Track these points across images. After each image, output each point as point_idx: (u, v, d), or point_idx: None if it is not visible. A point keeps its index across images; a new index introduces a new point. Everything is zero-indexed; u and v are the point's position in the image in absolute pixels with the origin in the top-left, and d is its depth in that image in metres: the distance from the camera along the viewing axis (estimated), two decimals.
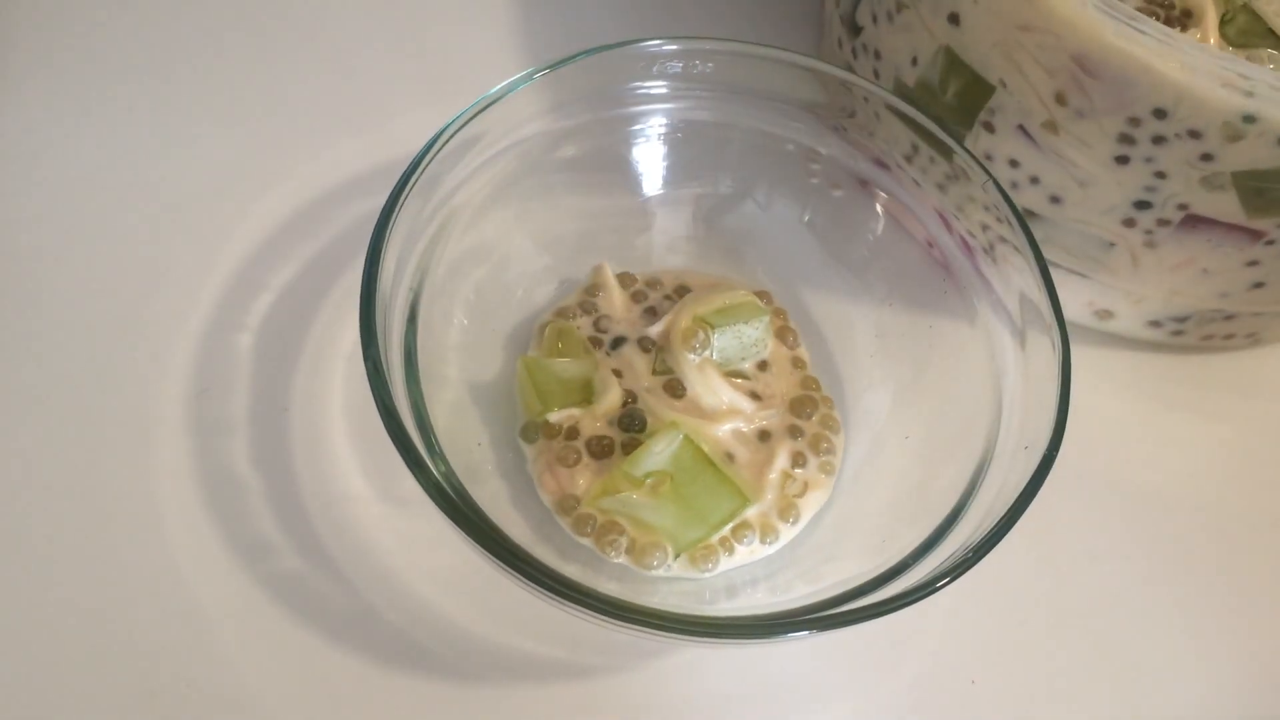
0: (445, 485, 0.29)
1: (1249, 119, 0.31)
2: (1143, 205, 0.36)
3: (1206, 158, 0.33)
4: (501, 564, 0.28)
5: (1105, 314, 0.40)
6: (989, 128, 0.37)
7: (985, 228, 0.36)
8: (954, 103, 0.38)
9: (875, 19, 0.40)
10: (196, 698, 0.32)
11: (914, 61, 0.39)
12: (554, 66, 0.35)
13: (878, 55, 0.41)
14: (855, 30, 0.42)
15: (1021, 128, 0.37)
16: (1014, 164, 0.37)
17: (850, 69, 0.43)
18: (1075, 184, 0.36)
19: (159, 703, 0.32)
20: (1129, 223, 0.36)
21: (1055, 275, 0.34)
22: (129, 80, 0.45)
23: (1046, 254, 0.34)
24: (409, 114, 0.45)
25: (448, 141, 0.34)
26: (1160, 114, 0.33)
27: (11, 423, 0.36)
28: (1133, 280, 0.38)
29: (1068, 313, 0.33)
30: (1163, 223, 0.36)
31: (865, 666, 0.35)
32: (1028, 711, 0.34)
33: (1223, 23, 0.35)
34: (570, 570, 0.32)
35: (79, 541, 0.34)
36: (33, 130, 0.43)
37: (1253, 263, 0.37)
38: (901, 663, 0.35)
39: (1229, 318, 0.40)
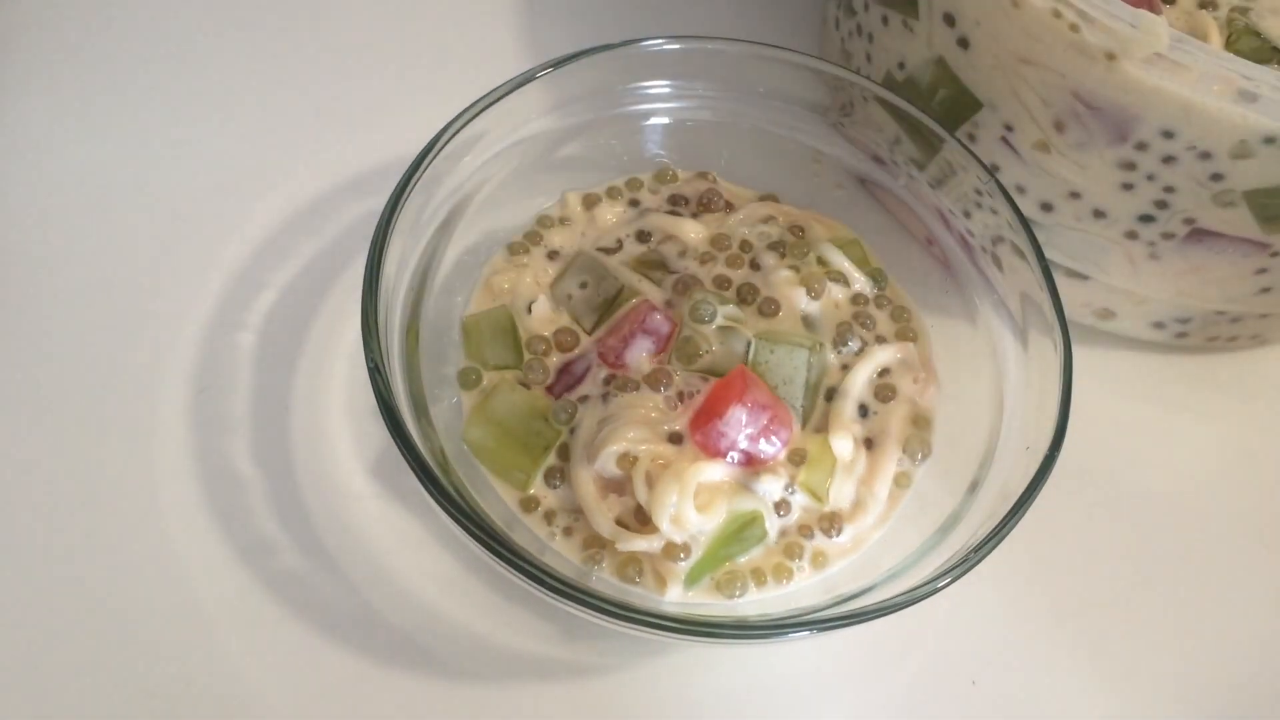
0: (447, 485, 0.29)
1: (1270, 139, 0.31)
2: (1147, 219, 0.36)
3: (1216, 177, 0.33)
4: (503, 564, 0.28)
5: (1107, 314, 0.40)
6: (971, 137, 0.37)
7: (986, 226, 0.36)
8: (939, 109, 0.38)
9: (867, 6, 0.40)
10: (196, 696, 0.32)
11: (901, 65, 0.39)
12: (556, 66, 0.35)
13: (870, 38, 0.41)
14: (850, 12, 0.42)
15: (1005, 141, 0.36)
16: (995, 169, 0.37)
17: (845, 51, 0.43)
18: (1066, 195, 0.36)
19: (159, 702, 0.32)
20: (1131, 235, 0.36)
21: (1055, 275, 0.34)
22: (130, 80, 0.45)
23: (1045, 254, 0.33)
24: (411, 113, 0.44)
25: (450, 140, 0.34)
26: (1168, 135, 0.33)
27: (13, 420, 0.36)
28: (1134, 283, 0.38)
29: (1068, 312, 0.33)
30: (1167, 235, 0.36)
31: (865, 666, 0.35)
32: (1028, 711, 0.34)
33: (1227, 45, 0.35)
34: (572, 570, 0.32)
35: (79, 539, 0.34)
36: (34, 129, 0.43)
37: (1261, 270, 0.37)
38: (901, 663, 0.35)
39: (1234, 320, 0.40)
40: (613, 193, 0.39)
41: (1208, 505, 0.39)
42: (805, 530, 0.33)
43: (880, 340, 0.36)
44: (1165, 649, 0.36)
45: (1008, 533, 0.29)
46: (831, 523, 0.33)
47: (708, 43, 0.37)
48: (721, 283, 0.36)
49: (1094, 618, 0.36)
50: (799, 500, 0.33)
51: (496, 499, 0.33)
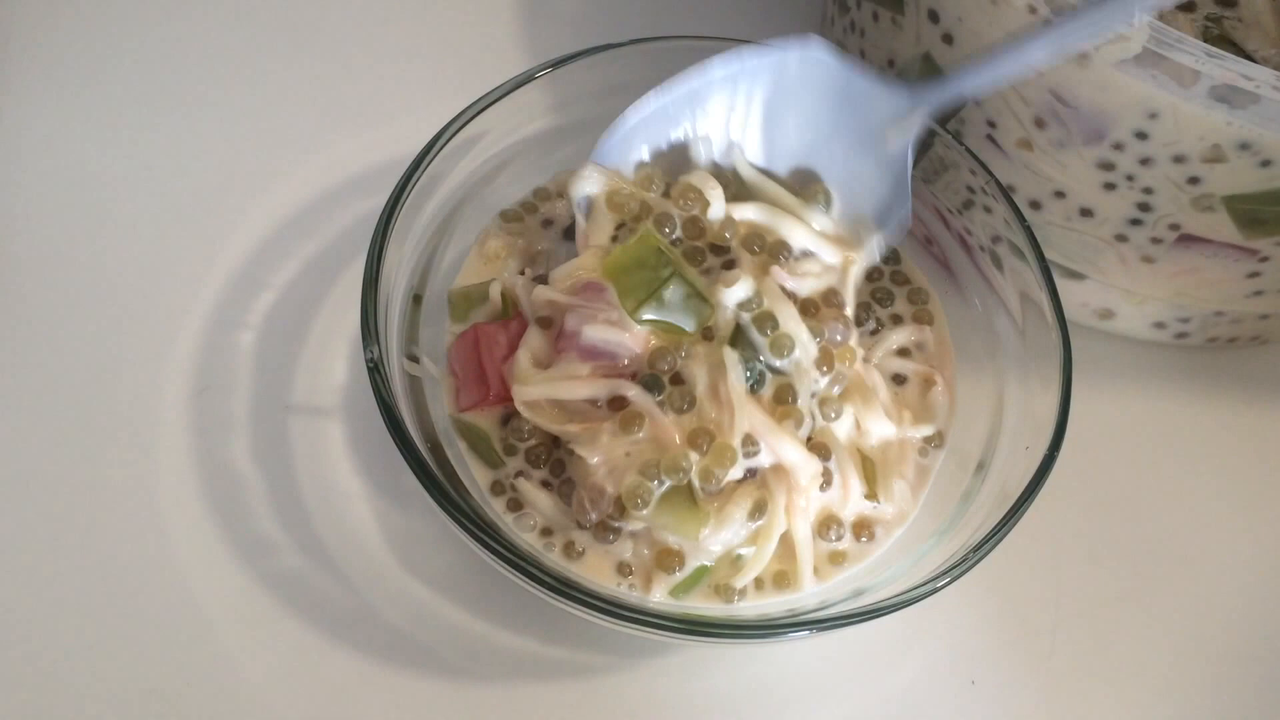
0: (447, 485, 0.29)
1: (1244, 146, 0.31)
2: (1135, 222, 0.36)
3: (1193, 180, 0.33)
4: (502, 564, 0.28)
5: (1107, 314, 0.40)
6: (957, 134, 0.37)
7: (984, 225, 0.36)
8: None
9: (859, 3, 0.40)
10: (196, 695, 0.32)
11: (891, 62, 0.39)
12: (555, 65, 0.35)
13: (863, 34, 0.41)
14: (844, 8, 0.43)
15: (991, 139, 0.36)
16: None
17: (841, 49, 0.43)
18: (1052, 193, 0.36)
19: (159, 701, 0.32)
20: (1121, 238, 0.36)
21: (1053, 275, 0.34)
22: (130, 79, 0.45)
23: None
24: (411, 113, 0.44)
25: (450, 140, 0.34)
26: (1141, 135, 0.33)
27: (13, 420, 0.36)
28: (1132, 282, 0.38)
29: (1068, 313, 0.33)
30: (1155, 240, 0.36)
31: (865, 666, 0.35)
32: (1028, 711, 0.34)
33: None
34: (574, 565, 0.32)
35: (79, 539, 0.34)
36: (33, 129, 0.43)
37: (1252, 274, 0.37)
38: (901, 663, 0.35)
39: (1234, 320, 0.40)
40: None
41: (1208, 505, 0.39)
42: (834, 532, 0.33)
43: (896, 320, 0.36)
44: (1165, 649, 0.36)
45: (1007, 533, 0.29)
46: (863, 527, 0.33)
47: (708, 42, 0.37)
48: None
49: (1094, 618, 0.36)
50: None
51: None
